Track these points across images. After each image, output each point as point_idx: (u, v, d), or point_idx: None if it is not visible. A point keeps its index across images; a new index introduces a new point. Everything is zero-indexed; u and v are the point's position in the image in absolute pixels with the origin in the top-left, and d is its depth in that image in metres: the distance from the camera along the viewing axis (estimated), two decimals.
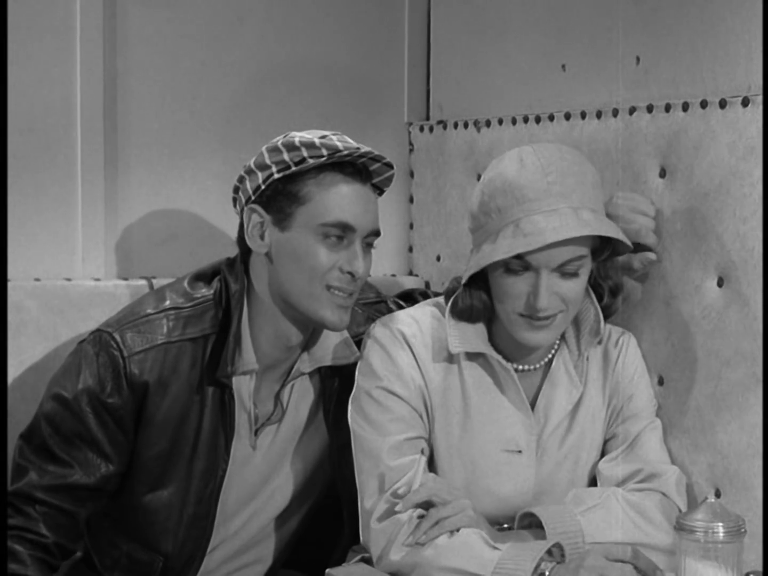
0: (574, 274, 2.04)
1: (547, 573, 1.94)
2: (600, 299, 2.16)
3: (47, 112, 2.52)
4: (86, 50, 2.53)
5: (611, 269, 2.15)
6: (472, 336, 2.14)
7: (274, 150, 2.15)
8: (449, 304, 2.16)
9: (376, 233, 2.19)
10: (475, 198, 2.09)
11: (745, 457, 2.13)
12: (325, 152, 2.12)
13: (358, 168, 2.16)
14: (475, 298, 2.12)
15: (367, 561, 2.13)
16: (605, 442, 2.22)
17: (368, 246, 2.18)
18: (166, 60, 2.64)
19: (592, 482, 2.21)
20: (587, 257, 2.05)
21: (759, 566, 1.98)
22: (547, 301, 2.02)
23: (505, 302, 2.06)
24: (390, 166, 2.20)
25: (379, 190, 2.24)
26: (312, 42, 2.78)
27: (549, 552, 1.99)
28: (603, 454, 2.22)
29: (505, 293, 2.06)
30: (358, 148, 2.14)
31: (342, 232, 2.13)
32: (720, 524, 1.79)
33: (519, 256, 2.01)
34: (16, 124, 2.41)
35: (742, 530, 1.81)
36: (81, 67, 2.54)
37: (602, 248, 2.09)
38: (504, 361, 2.13)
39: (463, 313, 2.14)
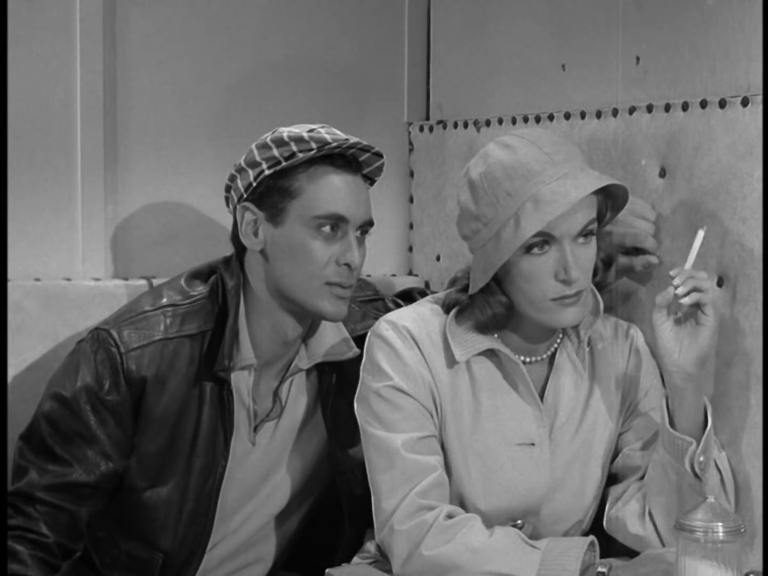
0: (590, 241, 2.03)
1: (606, 572, 1.95)
2: (594, 275, 2.14)
3: (47, 112, 2.52)
4: (86, 50, 2.53)
5: (602, 241, 2.13)
6: (476, 336, 2.11)
7: (264, 146, 2.16)
8: (452, 316, 2.11)
9: (370, 223, 2.19)
10: (467, 199, 2.05)
11: (745, 457, 2.13)
12: (314, 145, 2.13)
13: (348, 159, 2.18)
14: (494, 304, 2.07)
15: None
16: (622, 433, 2.19)
17: (362, 236, 2.19)
18: (166, 59, 2.64)
19: (603, 477, 2.19)
20: (596, 221, 2.05)
21: (759, 566, 1.98)
22: (578, 271, 2.00)
23: (532, 290, 2.02)
24: (379, 155, 2.21)
25: (370, 180, 2.25)
26: (312, 42, 2.78)
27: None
28: (618, 446, 2.19)
29: (532, 279, 2.01)
30: (346, 140, 2.15)
31: (335, 223, 2.14)
32: (720, 524, 1.79)
33: (540, 232, 1.97)
34: (16, 124, 2.41)
35: (742, 530, 1.81)
36: (81, 67, 2.54)
37: (602, 215, 2.08)
38: (512, 354, 2.11)
39: (484, 326, 2.09)
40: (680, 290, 2.00)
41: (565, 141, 2.08)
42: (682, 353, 2.03)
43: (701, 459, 2.01)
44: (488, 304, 2.08)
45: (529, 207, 1.97)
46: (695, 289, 2.00)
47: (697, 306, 2.01)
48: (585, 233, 2.01)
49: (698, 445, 2.01)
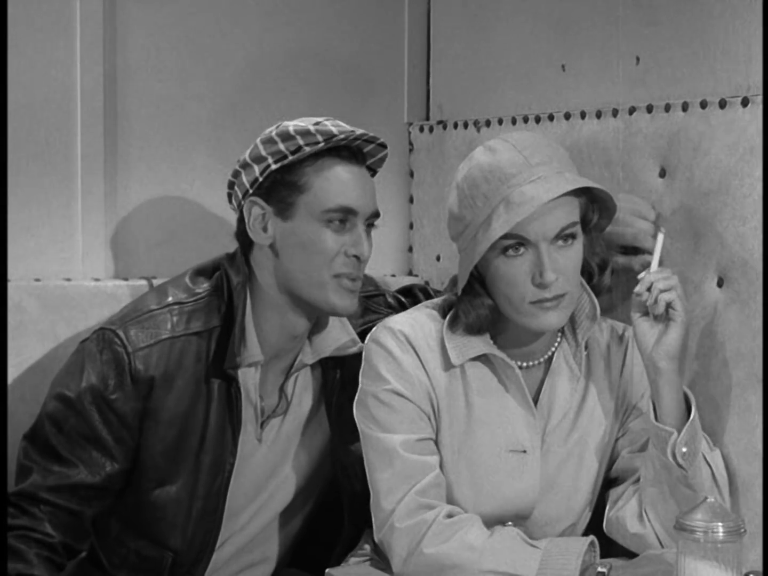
0: (570, 245, 2.02)
1: (606, 572, 1.96)
2: (590, 279, 2.14)
3: (47, 112, 2.52)
4: (86, 50, 2.53)
5: (597, 245, 2.14)
6: (472, 341, 2.12)
7: (269, 141, 2.16)
8: (447, 320, 2.12)
9: (376, 214, 2.21)
10: (453, 202, 2.07)
11: (745, 457, 2.13)
12: (320, 138, 2.14)
13: (353, 151, 2.19)
14: (478, 306, 2.08)
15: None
16: (620, 436, 2.19)
17: (370, 228, 2.20)
18: (166, 58, 2.64)
19: (597, 480, 2.19)
20: (579, 225, 2.04)
21: (759, 566, 1.98)
22: (553, 274, 1.99)
23: (511, 293, 2.03)
24: (384, 146, 2.23)
25: (372, 171, 2.26)
26: (311, 42, 2.78)
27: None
28: (616, 449, 2.19)
29: (509, 281, 2.02)
30: (352, 131, 2.16)
31: (344, 216, 2.15)
32: (720, 524, 1.79)
33: (515, 234, 1.99)
34: (16, 123, 2.42)
35: (742, 530, 1.81)
36: (81, 67, 2.54)
37: (588, 219, 2.08)
38: (507, 359, 2.11)
39: (470, 327, 2.10)
40: (649, 301, 2.04)
41: (551, 144, 2.08)
42: (653, 348, 2.05)
43: (684, 450, 2.02)
44: (472, 306, 2.09)
45: (501, 209, 1.99)
46: (662, 291, 2.03)
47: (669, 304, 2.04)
48: (564, 236, 2.01)
49: (679, 435, 2.02)
